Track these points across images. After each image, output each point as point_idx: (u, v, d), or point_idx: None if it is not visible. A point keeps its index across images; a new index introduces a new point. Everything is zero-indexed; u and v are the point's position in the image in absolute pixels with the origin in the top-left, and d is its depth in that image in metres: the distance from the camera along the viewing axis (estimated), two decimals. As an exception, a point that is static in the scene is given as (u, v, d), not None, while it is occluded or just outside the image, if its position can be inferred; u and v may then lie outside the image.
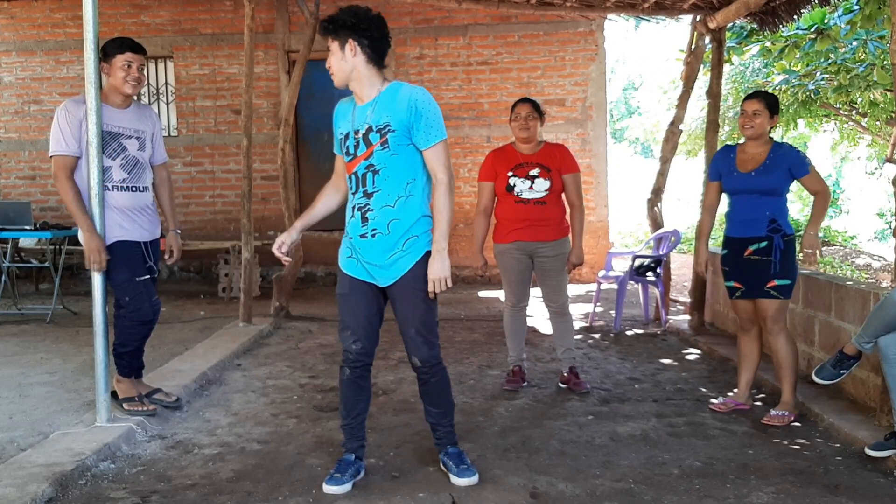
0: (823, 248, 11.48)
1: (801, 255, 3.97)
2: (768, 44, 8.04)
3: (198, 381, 4.59)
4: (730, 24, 6.41)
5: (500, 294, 5.38)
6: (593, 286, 7.73)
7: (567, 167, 4.47)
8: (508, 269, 4.51)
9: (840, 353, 3.53)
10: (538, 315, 6.40)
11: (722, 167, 4.09)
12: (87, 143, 3.63)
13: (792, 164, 3.89)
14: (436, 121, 2.93)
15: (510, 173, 4.42)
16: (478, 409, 4.17)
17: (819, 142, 16.20)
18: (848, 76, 8.29)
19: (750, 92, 4.39)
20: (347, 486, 3.05)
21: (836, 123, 12.81)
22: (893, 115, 9.62)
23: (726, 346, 5.43)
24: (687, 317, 6.49)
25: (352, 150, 3.01)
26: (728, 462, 3.35)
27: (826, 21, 7.39)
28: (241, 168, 7.39)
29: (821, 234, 3.94)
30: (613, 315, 6.61)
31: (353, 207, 3.04)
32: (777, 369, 4.01)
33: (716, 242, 5.18)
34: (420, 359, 3.07)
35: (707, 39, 6.30)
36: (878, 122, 10.78)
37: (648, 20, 7.57)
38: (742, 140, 4.11)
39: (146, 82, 9.22)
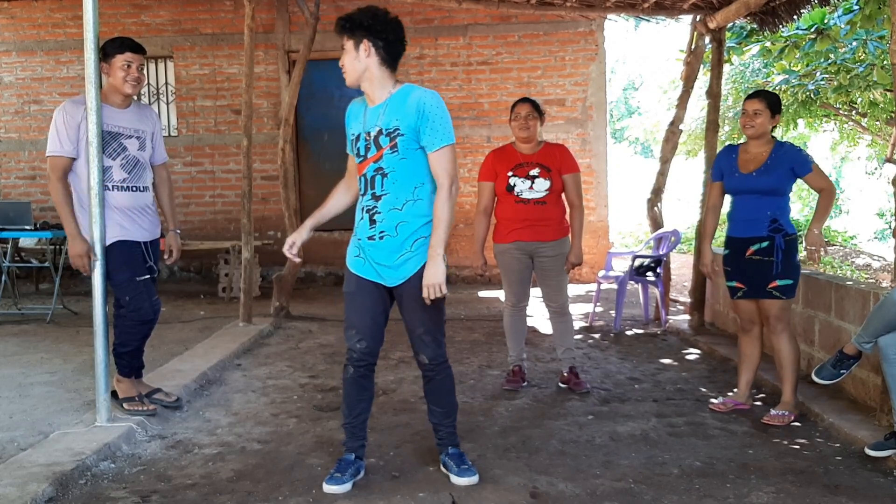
0: (826, 254, 11.46)
1: (804, 252, 3.96)
2: (768, 44, 8.03)
3: (198, 381, 4.60)
4: (730, 24, 6.41)
5: (500, 294, 5.38)
6: (593, 286, 7.73)
7: (567, 167, 4.47)
8: (508, 269, 4.51)
9: (840, 353, 3.53)
10: (538, 315, 6.40)
11: (724, 167, 4.10)
12: (86, 144, 3.63)
13: (794, 163, 3.89)
14: (443, 125, 2.92)
15: (510, 173, 4.42)
16: (478, 409, 4.17)
17: (819, 142, 16.19)
18: (848, 76, 8.29)
19: (751, 91, 4.39)
20: (347, 486, 3.05)
21: (836, 123, 12.81)
22: (893, 115, 9.62)
23: (726, 346, 5.43)
24: (687, 317, 6.49)
25: (362, 152, 3.01)
26: (728, 462, 3.35)
27: (826, 21, 7.39)
28: (241, 168, 7.39)
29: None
30: (613, 315, 6.61)
31: (362, 209, 3.05)
32: (778, 368, 4.01)
33: (717, 243, 5.17)
34: (427, 357, 3.09)
35: (707, 39, 6.30)
36: (878, 122, 10.78)
37: (648, 20, 7.56)
38: (744, 140, 4.11)
39: (146, 82, 9.25)
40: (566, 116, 9.44)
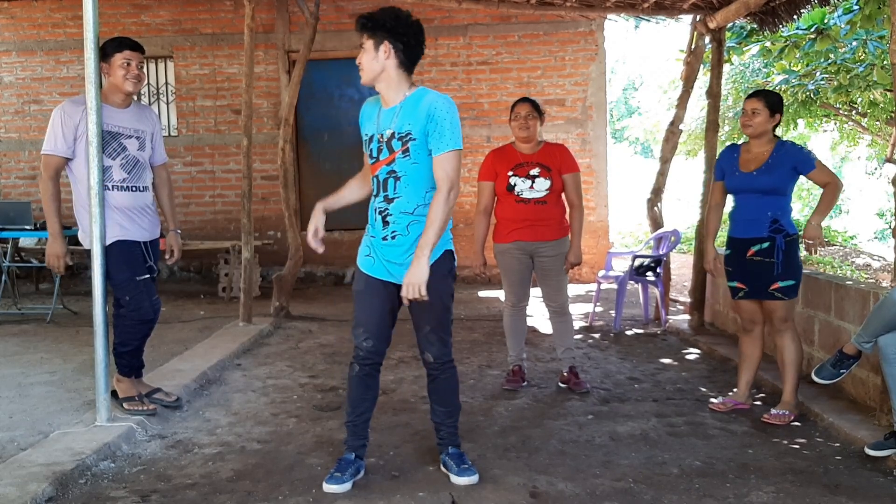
0: (823, 248, 11.47)
1: (803, 246, 3.95)
2: (768, 44, 8.04)
3: (198, 381, 4.60)
4: (730, 24, 6.42)
5: (500, 294, 5.38)
6: (593, 286, 7.73)
7: (567, 167, 4.47)
8: (508, 269, 4.51)
9: (840, 353, 3.53)
10: (538, 315, 6.40)
11: (725, 167, 4.09)
12: (86, 144, 3.63)
13: (796, 161, 3.88)
14: (450, 130, 2.90)
15: (510, 173, 4.42)
16: (478, 409, 4.17)
17: (819, 142, 16.19)
18: (848, 76, 8.30)
19: (751, 91, 4.39)
20: (347, 486, 3.05)
21: (836, 123, 12.82)
22: (893, 115, 9.63)
23: (726, 346, 5.43)
24: (687, 316, 6.49)
25: (374, 154, 3.01)
26: (728, 461, 3.35)
27: (826, 21, 7.40)
28: (241, 168, 7.39)
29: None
30: (613, 315, 6.61)
31: (375, 210, 3.05)
32: (780, 368, 4.01)
33: (718, 242, 5.17)
34: (433, 355, 3.09)
35: (707, 39, 6.30)
36: (877, 122, 10.78)
37: (648, 20, 7.57)
38: (746, 139, 4.11)
39: (146, 81, 9.26)
40: (566, 116, 9.44)
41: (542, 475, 3.20)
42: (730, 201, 4.16)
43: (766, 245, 3.89)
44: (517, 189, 4.40)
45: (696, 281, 6.22)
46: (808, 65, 8.79)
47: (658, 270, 6.55)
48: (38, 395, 4.37)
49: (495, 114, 9.36)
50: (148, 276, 3.90)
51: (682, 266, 9.95)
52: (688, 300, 6.82)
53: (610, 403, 4.27)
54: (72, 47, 9.55)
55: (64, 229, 7.21)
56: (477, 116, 9.44)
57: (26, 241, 7.77)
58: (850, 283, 4.37)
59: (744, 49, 8.60)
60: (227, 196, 9.62)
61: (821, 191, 3.93)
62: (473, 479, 3.10)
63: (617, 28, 21.09)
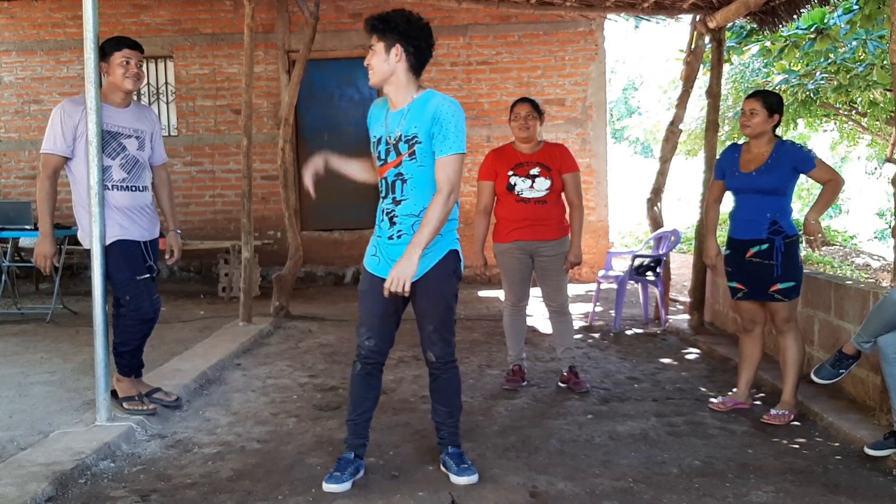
0: (823, 249, 11.45)
1: (805, 244, 3.95)
2: (768, 44, 8.04)
3: (198, 381, 4.60)
4: (730, 24, 6.42)
5: (500, 294, 5.37)
6: (593, 286, 7.72)
7: (567, 166, 4.48)
8: (509, 269, 4.52)
9: (839, 353, 3.53)
10: (538, 315, 6.40)
11: (726, 166, 4.09)
12: (85, 143, 3.63)
13: (797, 161, 3.88)
14: (454, 133, 2.89)
15: (511, 172, 4.42)
16: (478, 409, 4.17)
17: (819, 142, 16.19)
18: (848, 76, 8.30)
19: (751, 91, 4.38)
20: (347, 485, 3.05)
21: (835, 123, 12.82)
22: (893, 114, 9.63)
23: (726, 346, 5.43)
24: (687, 316, 6.49)
25: (382, 156, 3.02)
26: (727, 461, 3.35)
27: (826, 21, 7.39)
28: (241, 168, 7.39)
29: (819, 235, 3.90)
30: (613, 315, 6.61)
31: (383, 211, 3.06)
32: (781, 367, 4.02)
33: (718, 243, 5.16)
34: (435, 355, 3.10)
35: (707, 39, 6.31)
36: (877, 122, 10.79)
37: (648, 20, 7.58)
38: (745, 139, 4.11)
39: (146, 80, 9.26)
40: (566, 116, 9.44)
41: (542, 475, 3.20)
42: (730, 201, 4.16)
43: (765, 247, 3.88)
44: (517, 189, 4.40)
45: (696, 281, 6.22)
46: (807, 64, 8.79)
47: (658, 270, 6.55)
48: (37, 395, 4.37)
49: (495, 114, 9.37)
50: (148, 275, 3.90)
51: (681, 266, 9.95)
52: (688, 300, 6.82)
53: (609, 403, 4.27)
54: (72, 47, 9.55)
55: (64, 228, 7.22)
56: (477, 116, 9.44)
57: (26, 241, 7.75)
58: (850, 282, 4.37)
59: (744, 49, 8.60)
60: (227, 196, 9.62)
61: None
62: (473, 478, 3.10)
63: (617, 28, 21.05)
